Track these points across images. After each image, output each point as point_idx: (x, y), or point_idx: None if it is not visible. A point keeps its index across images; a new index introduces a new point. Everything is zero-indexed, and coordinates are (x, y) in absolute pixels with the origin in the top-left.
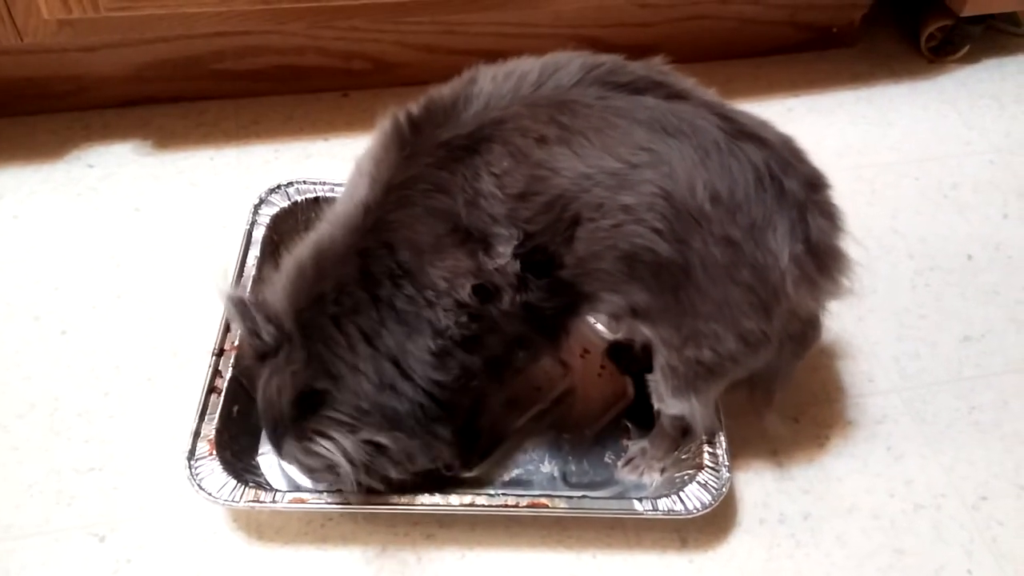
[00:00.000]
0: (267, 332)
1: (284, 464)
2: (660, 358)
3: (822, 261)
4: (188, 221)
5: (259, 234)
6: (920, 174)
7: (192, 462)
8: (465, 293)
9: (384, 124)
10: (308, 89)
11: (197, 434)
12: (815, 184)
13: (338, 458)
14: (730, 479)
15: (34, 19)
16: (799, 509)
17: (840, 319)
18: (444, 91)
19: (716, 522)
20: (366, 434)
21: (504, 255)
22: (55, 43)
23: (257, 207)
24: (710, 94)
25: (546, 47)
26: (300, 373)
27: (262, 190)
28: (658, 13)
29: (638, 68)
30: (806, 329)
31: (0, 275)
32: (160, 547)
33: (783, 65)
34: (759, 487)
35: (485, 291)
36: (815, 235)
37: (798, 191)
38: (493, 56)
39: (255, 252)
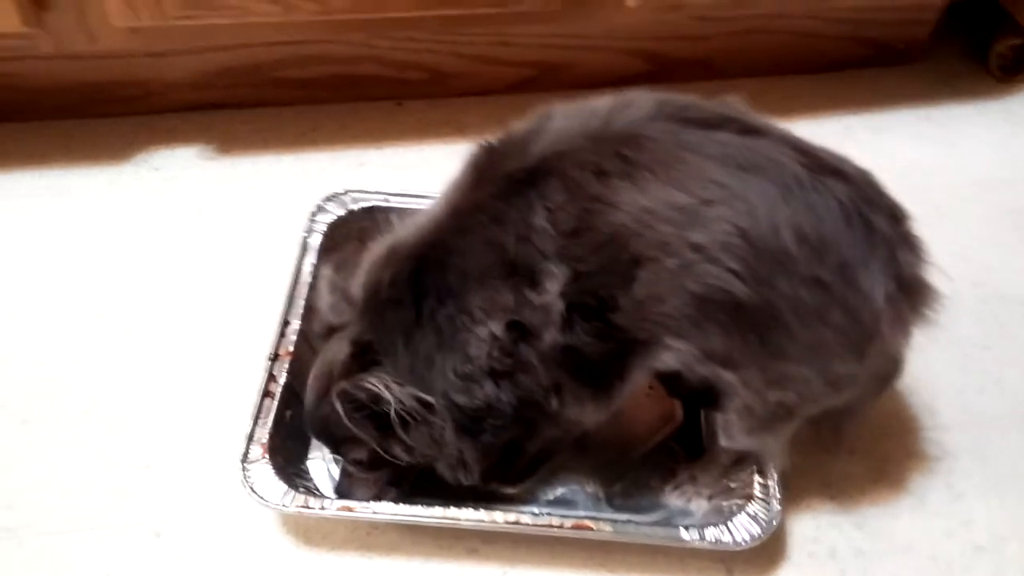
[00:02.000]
0: (338, 311)
1: (330, 467)
2: (737, 400)
3: (913, 297)
4: (247, 225)
5: (315, 241)
6: (986, 198)
7: (245, 465)
8: (500, 327)
9: (471, 150)
10: (364, 97)
11: (251, 438)
12: (898, 217)
13: (385, 393)
14: (781, 512)
15: (105, 26)
16: (851, 545)
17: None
18: (521, 125)
19: (764, 554)
20: (414, 390)
21: (550, 292)
22: (124, 49)
23: (314, 214)
24: (786, 130)
25: (600, 60)
26: (360, 340)
27: (318, 197)
28: (715, 26)
29: (712, 105)
30: (890, 366)
31: (68, 273)
32: (212, 546)
33: (843, 81)
34: (810, 520)
35: (521, 329)
36: (905, 271)
37: (885, 227)
38: (549, 68)
39: (311, 259)
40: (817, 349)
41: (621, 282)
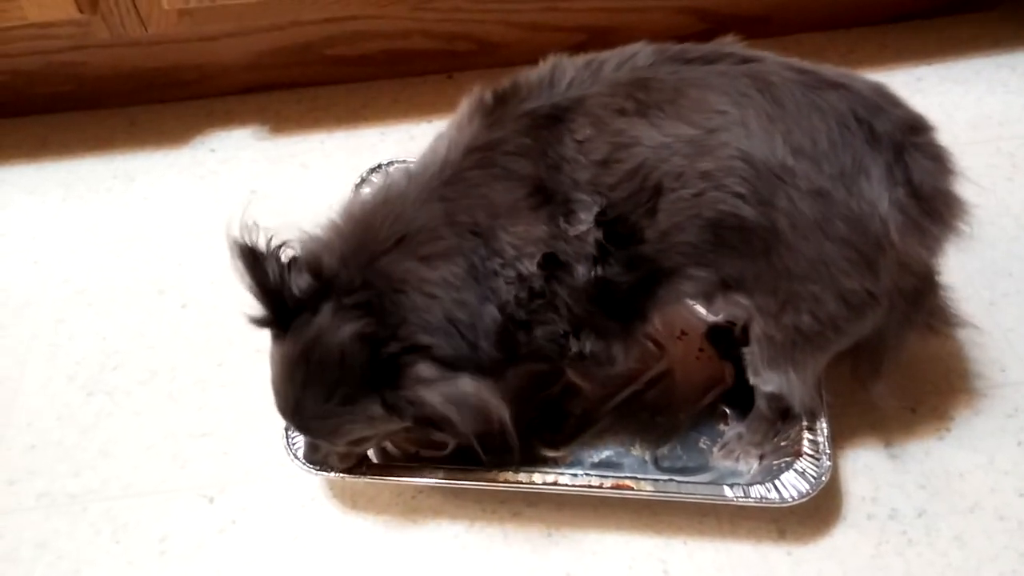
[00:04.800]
0: (298, 278)
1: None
2: (756, 328)
3: (930, 204)
4: (299, 202)
5: None
6: None
7: (289, 432)
8: (533, 263)
9: (469, 99)
10: (414, 72)
11: None
12: (915, 127)
13: (443, 409)
14: (831, 468)
15: (156, 10)
16: (913, 505)
17: (970, 303)
18: (531, 74)
19: (818, 515)
20: (466, 382)
21: (586, 221)
22: (178, 33)
23: (358, 187)
24: (786, 58)
25: (653, 20)
26: (370, 332)
27: (364, 171)
28: None
29: (709, 45)
30: (920, 285)
31: (130, 252)
32: (263, 511)
33: (913, 31)
34: (869, 480)
35: (555, 261)
36: (918, 177)
37: (892, 132)
38: (600, 32)
39: None
40: (822, 264)
41: (647, 212)
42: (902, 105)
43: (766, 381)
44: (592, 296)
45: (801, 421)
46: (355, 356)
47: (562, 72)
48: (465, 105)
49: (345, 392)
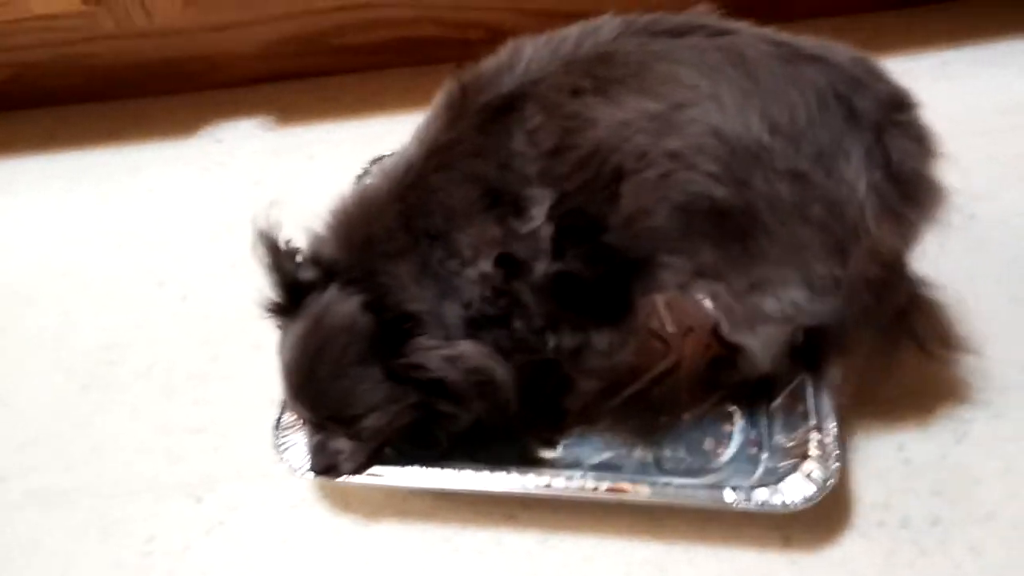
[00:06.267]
0: (305, 270)
1: None
2: (718, 302)
3: (906, 189)
4: (302, 194)
5: None
6: None
7: (278, 432)
8: (489, 264)
9: (440, 92)
10: (426, 61)
11: (284, 404)
12: (897, 103)
13: (449, 372)
14: (838, 471)
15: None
16: (927, 512)
17: (991, 300)
18: (491, 59)
19: (826, 522)
20: (466, 348)
21: (536, 218)
22: (184, 23)
23: (360, 178)
24: (762, 28)
25: (668, 4)
26: (381, 301)
27: (367, 162)
28: None
29: (680, 16)
30: (886, 276)
31: (131, 243)
32: (251, 512)
33: (942, 13)
34: (880, 486)
35: (510, 261)
36: (897, 159)
37: (873, 111)
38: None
39: None
40: (797, 248)
41: (607, 199)
42: (885, 79)
43: (729, 335)
44: (556, 291)
45: (811, 421)
46: (362, 323)
47: (520, 54)
48: (438, 97)
49: (356, 352)
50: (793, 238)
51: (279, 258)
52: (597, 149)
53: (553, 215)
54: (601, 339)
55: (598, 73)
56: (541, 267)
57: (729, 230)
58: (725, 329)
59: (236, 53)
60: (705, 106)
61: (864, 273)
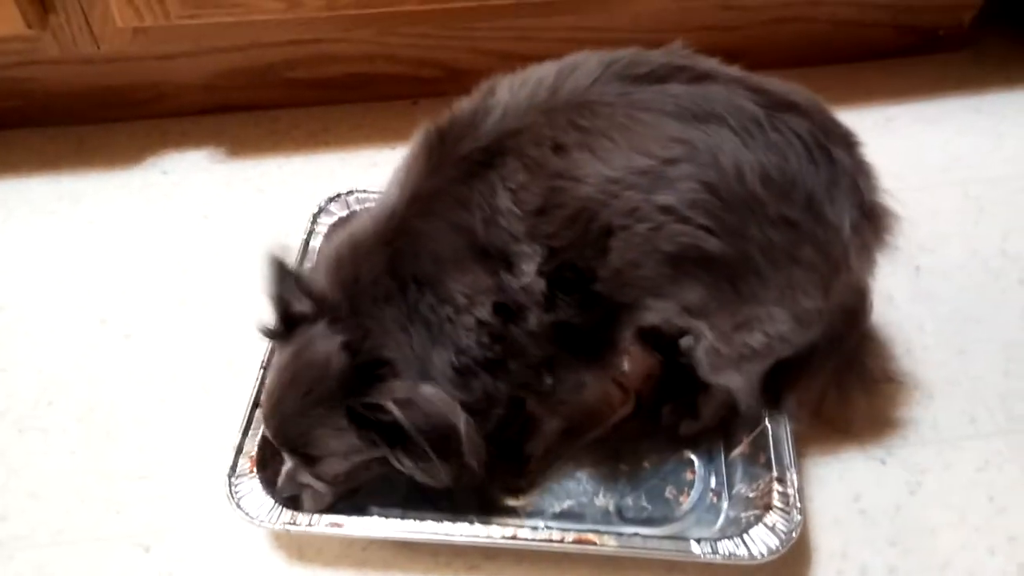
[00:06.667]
0: (300, 301)
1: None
2: (704, 342)
3: (875, 224)
4: (252, 229)
5: (316, 243)
6: None
7: (233, 479)
8: (486, 311)
9: (417, 135)
10: (378, 97)
11: (239, 450)
12: (851, 143)
13: (404, 421)
14: (802, 522)
15: (110, 27)
16: (883, 562)
17: (939, 351)
18: (465, 104)
19: (787, 570)
20: (432, 402)
21: (528, 273)
22: (133, 52)
23: (316, 216)
24: (736, 70)
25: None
26: (358, 344)
27: (322, 199)
28: (744, 16)
29: (658, 56)
30: (856, 303)
31: (72, 278)
32: (201, 562)
33: (883, 70)
34: (838, 536)
35: (507, 310)
36: (867, 198)
37: (844, 157)
38: None
39: (310, 263)
40: (788, 288)
41: (596, 253)
42: (838, 122)
43: (710, 380)
44: (552, 337)
45: (772, 473)
46: (337, 362)
47: (496, 98)
48: (416, 139)
49: (320, 392)
50: (786, 279)
51: (282, 285)
52: (584, 207)
53: (543, 270)
54: (588, 375)
55: (580, 124)
56: (535, 317)
57: (719, 274)
58: (704, 372)
59: (184, 83)
60: (697, 160)
61: (842, 304)
